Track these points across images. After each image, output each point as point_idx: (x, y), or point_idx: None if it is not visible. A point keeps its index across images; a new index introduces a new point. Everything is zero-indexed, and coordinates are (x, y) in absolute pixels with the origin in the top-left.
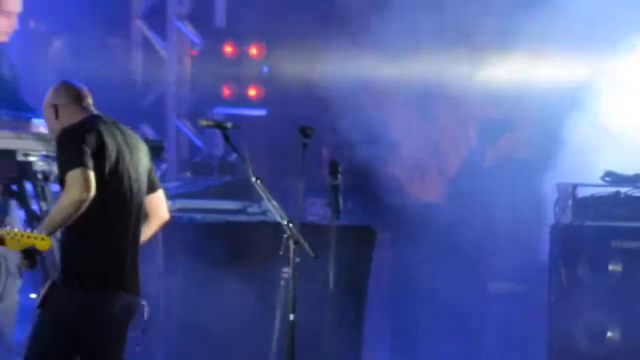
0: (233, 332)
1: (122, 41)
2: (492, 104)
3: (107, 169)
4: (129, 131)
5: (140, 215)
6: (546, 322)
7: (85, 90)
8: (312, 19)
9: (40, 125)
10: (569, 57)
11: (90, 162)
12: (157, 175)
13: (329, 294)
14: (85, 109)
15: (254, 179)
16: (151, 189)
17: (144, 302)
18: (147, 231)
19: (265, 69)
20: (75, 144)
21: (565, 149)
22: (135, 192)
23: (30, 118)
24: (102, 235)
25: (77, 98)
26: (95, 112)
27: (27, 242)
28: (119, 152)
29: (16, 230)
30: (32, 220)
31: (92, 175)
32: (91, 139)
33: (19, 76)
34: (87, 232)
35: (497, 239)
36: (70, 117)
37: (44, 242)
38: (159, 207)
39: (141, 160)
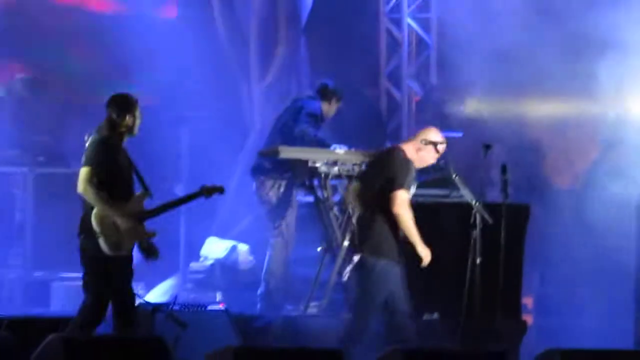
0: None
1: (374, 91)
2: None
3: None
4: None
5: None
6: None
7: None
8: None
9: (336, 149)
10: None
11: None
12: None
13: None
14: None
15: (454, 175)
16: None
17: None
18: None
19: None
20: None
21: None
22: None
23: (329, 146)
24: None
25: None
26: None
27: None
28: None
29: None
30: (318, 203)
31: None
32: None
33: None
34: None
35: None
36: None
37: None
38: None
39: None
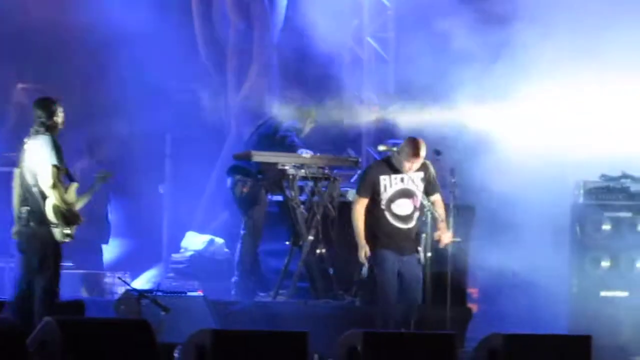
0: None
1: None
2: None
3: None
4: None
5: None
6: None
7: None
8: None
9: (302, 154)
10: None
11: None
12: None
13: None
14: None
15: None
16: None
17: None
18: None
19: None
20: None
21: None
22: None
23: (297, 149)
24: None
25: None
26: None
27: None
28: None
29: None
30: (286, 201)
31: None
32: None
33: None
34: None
35: None
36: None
37: None
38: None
39: None
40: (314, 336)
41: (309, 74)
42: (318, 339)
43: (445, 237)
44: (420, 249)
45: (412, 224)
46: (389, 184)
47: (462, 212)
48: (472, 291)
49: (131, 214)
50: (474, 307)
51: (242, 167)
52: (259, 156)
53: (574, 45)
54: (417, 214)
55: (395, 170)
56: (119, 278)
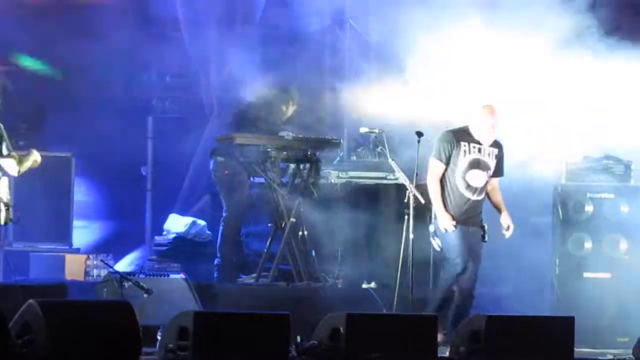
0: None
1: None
2: None
3: None
4: None
5: None
6: None
7: None
8: None
9: (284, 135)
10: None
11: None
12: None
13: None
14: None
15: (390, 160)
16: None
17: None
18: None
19: None
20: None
21: None
22: None
23: (279, 132)
24: None
25: None
26: None
27: None
28: None
29: None
30: (268, 183)
31: None
32: None
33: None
34: None
35: None
36: None
37: None
38: None
39: None
40: (296, 318)
41: (292, 55)
42: (300, 321)
43: (511, 224)
44: (485, 224)
45: (482, 196)
46: (468, 150)
47: None
48: None
49: (114, 196)
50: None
51: (224, 149)
52: (241, 138)
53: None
54: (485, 189)
55: (473, 140)
56: (102, 260)
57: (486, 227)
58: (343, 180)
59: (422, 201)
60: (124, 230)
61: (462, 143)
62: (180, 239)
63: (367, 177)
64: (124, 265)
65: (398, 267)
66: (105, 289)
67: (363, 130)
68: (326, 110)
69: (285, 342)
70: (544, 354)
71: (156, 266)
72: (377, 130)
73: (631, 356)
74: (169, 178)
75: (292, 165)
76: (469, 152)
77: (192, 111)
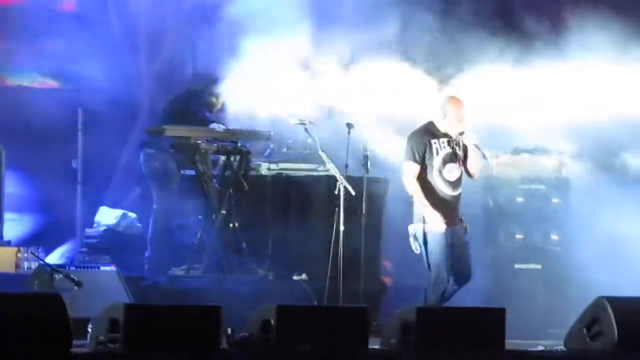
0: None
1: None
2: None
3: None
4: None
5: None
6: None
7: None
8: None
9: (214, 128)
10: None
11: None
12: None
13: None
14: None
15: (320, 152)
16: None
17: None
18: None
19: None
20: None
21: None
22: None
23: (210, 124)
24: None
25: None
26: None
27: None
28: None
29: None
30: (199, 176)
31: None
32: None
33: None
34: None
35: None
36: None
37: None
38: None
39: None
40: (227, 310)
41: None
42: (231, 313)
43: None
44: (463, 218)
45: (459, 190)
46: (439, 147)
47: (374, 184)
48: (387, 264)
49: (44, 189)
50: (388, 280)
51: (154, 142)
52: (172, 130)
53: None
54: (461, 181)
55: (442, 134)
56: (33, 253)
57: (464, 220)
58: (273, 172)
59: (353, 193)
60: (54, 223)
61: (433, 141)
62: (110, 231)
63: (298, 168)
64: (55, 257)
65: (328, 260)
66: (36, 282)
67: (293, 121)
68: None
69: (217, 334)
70: (475, 346)
71: (87, 258)
72: (307, 122)
73: (562, 347)
74: (99, 171)
75: (223, 158)
76: (441, 149)
77: (122, 104)
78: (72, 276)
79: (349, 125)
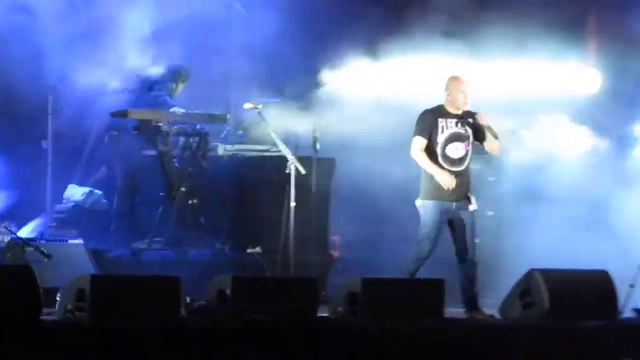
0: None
1: None
2: None
3: None
4: None
5: None
6: None
7: None
8: None
9: (175, 111)
10: None
11: None
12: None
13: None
14: None
15: (272, 133)
16: None
17: None
18: None
19: None
20: None
21: None
22: None
23: (171, 108)
24: None
25: None
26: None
27: None
28: None
29: None
30: (160, 155)
31: None
32: None
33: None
34: None
35: None
36: None
37: None
38: None
39: None
40: (186, 281)
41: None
42: (190, 283)
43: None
44: (470, 195)
45: (462, 167)
46: (445, 126)
47: (322, 164)
48: (334, 238)
49: (16, 168)
50: (336, 253)
51: (119, 124)
52: (135, 114)
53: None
54: (468, 158)
55: (450, 115)
56: (5, 227)
57: (472, 197)
58: (229, 153)
59: (303, 172)
60: (26, 199)
61: (440, 120)
62: (78, 207)
63: (252, 149)
64: (27, 232)
65: (280, 234)
66: (9, 254)
67: (247, 106)
68: (215, 88)
69: (176, 303)
70: (416, 314)
71: (56, 233)
72: (260, 106)
73: (497, 315)
74: (68, 151)
75: (182, 139)
76: (447, 128)
77: (90, 88)
78: (42, 249)
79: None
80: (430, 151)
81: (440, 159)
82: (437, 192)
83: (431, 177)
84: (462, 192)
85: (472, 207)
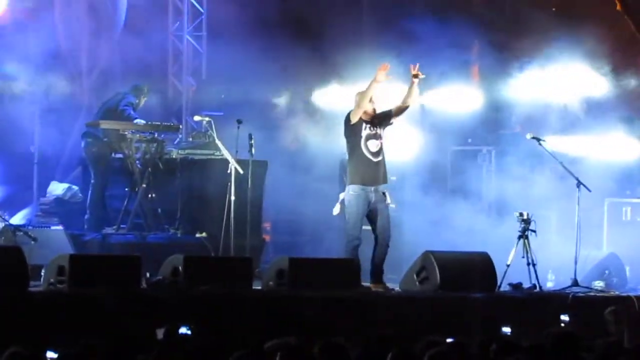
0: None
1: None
2: None
3: None
4: None
5: None
6: None
7: None
8: None
9: (137, 122)
10: None
11: None
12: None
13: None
14: None
15: (217, 140)
16: None
17: None
18: None
19: None
20: None
21: None
22: None
23: (134, 120)
24: None
25: None
26: None
27: None
28: None
29: None
30: (125, 158)
31: None
32: None
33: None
34: None
35: None
36: None
37: None
38: None
39: None
40: (146, 260)
41: (144, 62)
42: (149, 262)
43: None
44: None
45: (380, 158)
46: (363, 128)
47: (257, 166)
48: (266, 225)
49: (8, 167)
50: (267, 237)
51: (92, 132)
52: (106, 124)
53: None
54: (381, 152)
55: (366, 120)
56: None
57: (387, 191)
58: (182, 156)
59: (241, 171)
60: (16, 193)
61: (363, 124)
62: (59, 200)
63: (200, 153)
64: (17, 219)
65: (222, 222)
66: (2, 238)
67: (197, 118)
68: (170, 102)
69: (137, 277)
70: (335, 287)
71: (41, 220)
72: (207, 118)
73: (398, 288)
74: (51, 153)
75: (144, 145)
76: (364, 130)
77: (69, 104)
78: (30, 234)
79: (239, 121)
80: (356, 145)
81: (365, 151)
82: (360, 177)
83: (356, 166)
84: (380, 177)
85: (387, 200)
